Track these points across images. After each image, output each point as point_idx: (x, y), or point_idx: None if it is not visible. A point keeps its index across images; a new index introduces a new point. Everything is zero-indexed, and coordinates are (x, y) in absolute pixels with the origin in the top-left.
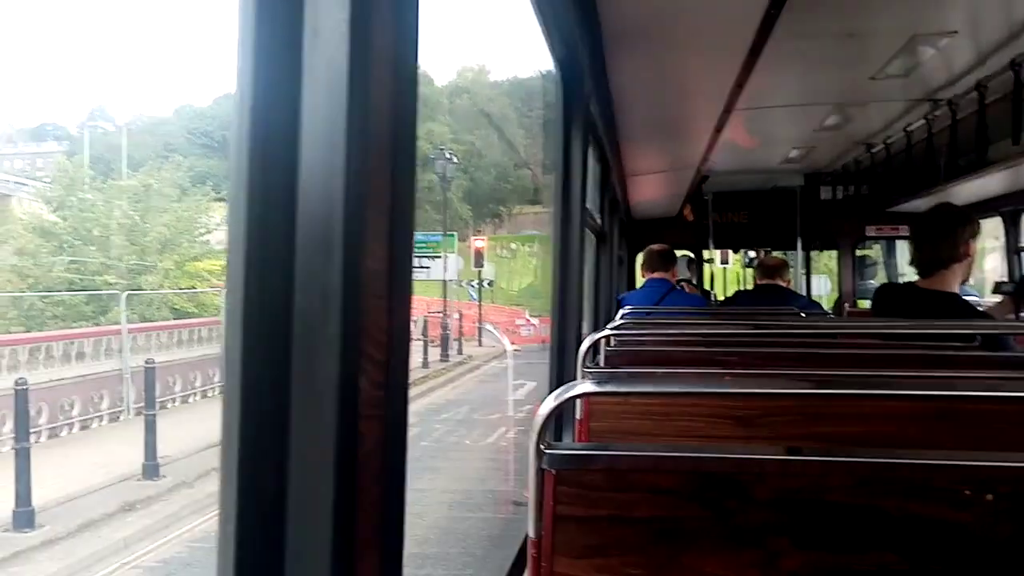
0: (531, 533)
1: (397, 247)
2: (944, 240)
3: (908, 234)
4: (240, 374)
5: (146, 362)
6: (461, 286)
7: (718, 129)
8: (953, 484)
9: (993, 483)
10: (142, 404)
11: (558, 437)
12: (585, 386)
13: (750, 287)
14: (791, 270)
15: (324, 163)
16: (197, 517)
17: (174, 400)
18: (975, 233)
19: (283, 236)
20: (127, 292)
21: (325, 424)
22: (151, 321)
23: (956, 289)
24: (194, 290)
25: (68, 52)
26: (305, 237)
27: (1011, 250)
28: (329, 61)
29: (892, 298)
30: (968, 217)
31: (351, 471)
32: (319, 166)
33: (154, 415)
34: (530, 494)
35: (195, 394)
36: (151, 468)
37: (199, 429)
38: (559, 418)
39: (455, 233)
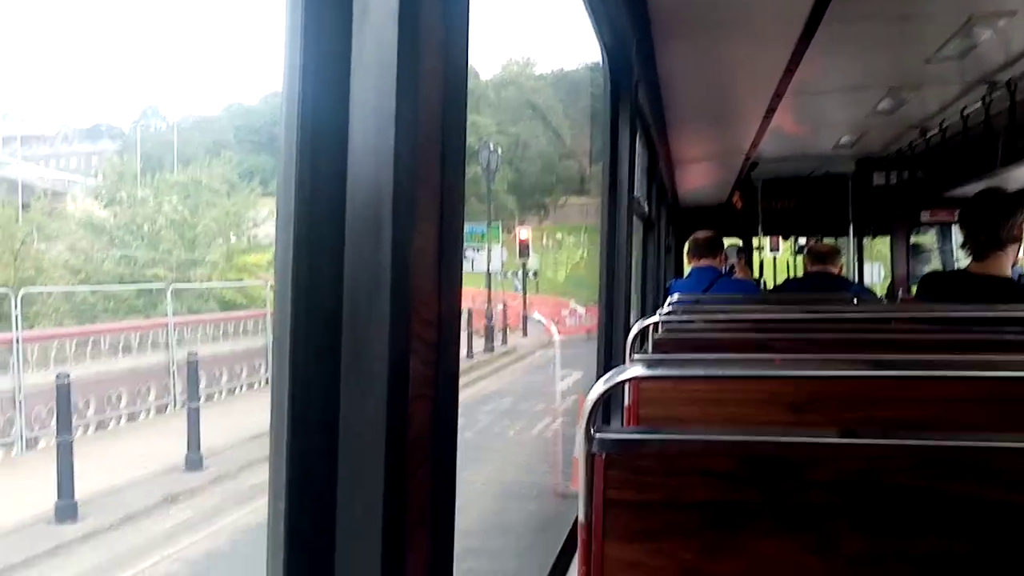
0: (581, 518)
1: (447, 228)
2: (1003, 221)
3: (960, 216)
4: (290, 353)
5: (189, 355)
6: (506, 277)
7: (768, 115)
8: (1017, 467)
9: None
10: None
11: (607, 424)
12: (636, 369)
13: (800, 275)
14: (843, 257)
15: (374, 144)
16: (239, 509)
17: (220, 392)
18: None
19: (333, 215)
20: (173, 286)
21: (375, 404)
22: (200, 313)
23: (1009, 273)
24: (241, 282)
25: (123, 51)
26: (355, 217)
27: None
28: (379, 41)
29: (941, 286)
30: (1020, 199)
31: (401, 451)
32: (369, 146)
33: (197, 407)
34: (580, 478)
35: (241, 386)
36: (194, 460)
37: (244, 421)
38: (607, 405)
39: (499, 224)
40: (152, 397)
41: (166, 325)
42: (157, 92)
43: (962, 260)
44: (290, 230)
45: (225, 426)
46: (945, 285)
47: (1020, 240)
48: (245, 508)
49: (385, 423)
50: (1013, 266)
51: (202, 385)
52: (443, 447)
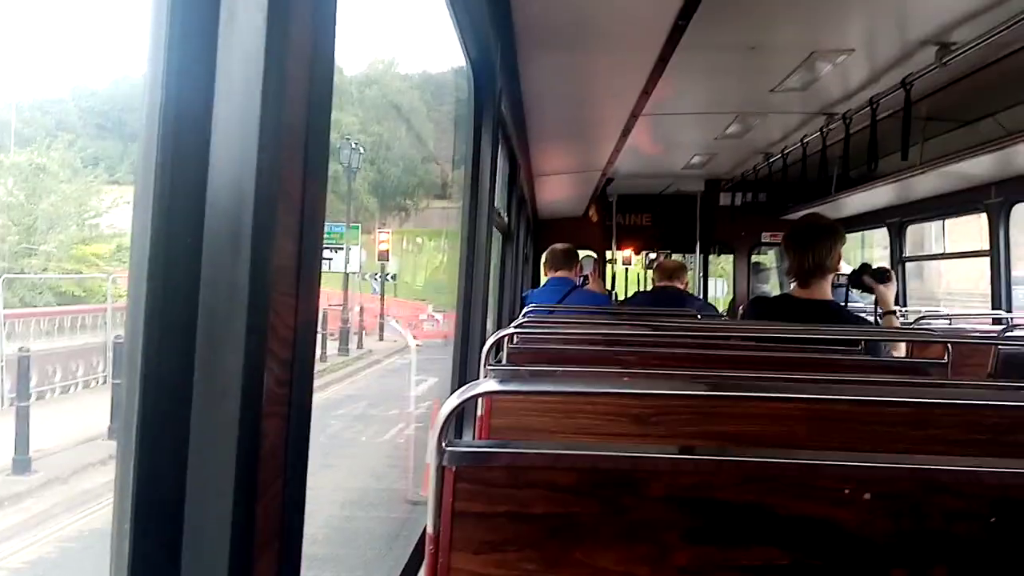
0: (429, 529)
1: (306, 244)
2: (826, 250)
3: (784, 244)
4: (141, 367)
5: (20, 350)
6: (364, 279)
7: (625, 133)
8: (834, 483)
9: (871, 482)
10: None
11: (459, 433)
12: (488, 384)
13: (649, 288)
14: (688, 273)
15: (236, 158)
16: (70, 515)
17: (53, 391)
18: (844, 243)
19: (191, 230)
20: (5, 275)
21: (227, 421)
22: (33, 306)
23: (831, 296)
24: (80, 275)
25: None
26: (213, 232)
27: (896, 260)
28: (245, 50)
29: (767, 311)
30: (838, 228)
31: (252, 468)
32: (231, 160)
33: (27, 407)
34: (430, 490)
35: (77, 384)
36: (22, 463)
37: (78, 421)
38: (460, 414)
39: (359, 225)
40: None
41: None
42: None
43: None
44: (145, 242)
45: (58, 427)
46: (770, 309)
47: (838, 268)
48: (76, 513)
49: (236, 441)
50: (835, 288)
51: (33, 382)
52: (295, 464)
